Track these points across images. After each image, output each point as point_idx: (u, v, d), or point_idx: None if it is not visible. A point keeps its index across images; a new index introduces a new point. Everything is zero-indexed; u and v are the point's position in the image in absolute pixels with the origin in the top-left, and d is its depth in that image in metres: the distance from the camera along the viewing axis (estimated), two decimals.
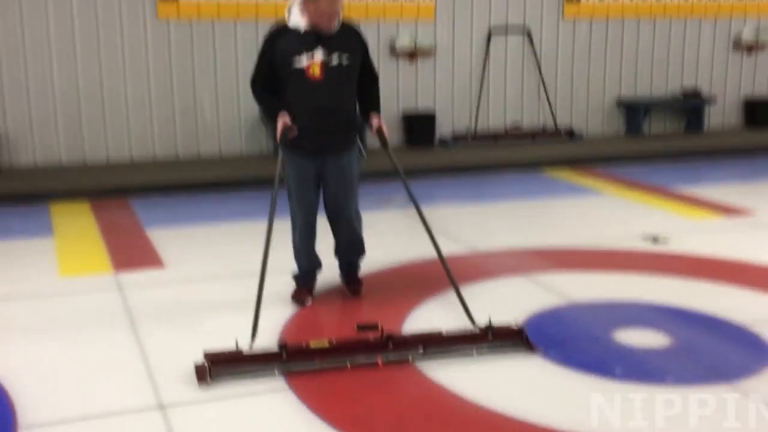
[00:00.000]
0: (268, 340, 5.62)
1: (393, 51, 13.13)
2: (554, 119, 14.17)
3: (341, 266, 6.73)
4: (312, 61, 6.00)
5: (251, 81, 6.27)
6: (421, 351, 5.45)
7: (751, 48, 15.43)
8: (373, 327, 5.54)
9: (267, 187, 6.05)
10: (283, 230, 6.35)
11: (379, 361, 5.34)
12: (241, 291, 6.38)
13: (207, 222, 9.41)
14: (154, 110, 12.15)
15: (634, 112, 14.62)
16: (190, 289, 7.02)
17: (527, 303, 6.48)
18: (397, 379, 5.24)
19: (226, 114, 12.42)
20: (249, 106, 11.44)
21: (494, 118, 13.99)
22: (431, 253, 6.05)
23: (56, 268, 7.63)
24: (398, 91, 13.29)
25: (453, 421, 4.73)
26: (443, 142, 13.50)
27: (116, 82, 11.92)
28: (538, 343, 5.56)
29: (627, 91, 14.81)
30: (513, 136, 13.89)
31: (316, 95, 6.03)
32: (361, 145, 6.20)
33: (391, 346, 5.46)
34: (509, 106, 14.07)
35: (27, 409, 4.84)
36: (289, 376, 5.17)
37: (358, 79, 6.23)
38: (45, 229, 9.00)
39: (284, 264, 6.50)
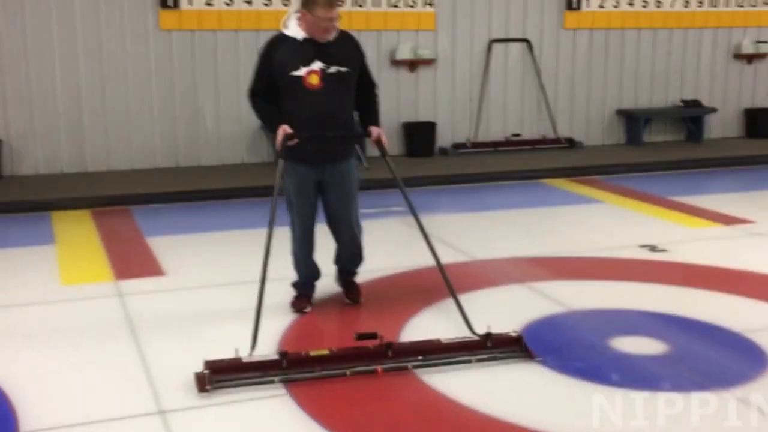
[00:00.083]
0: (267, 348, 5.65)
1: (394, 61, 13.16)
2: (554, 129, 14.19)
3: (340, 273, 6.76)
4: (310, 70, 6.03)
5: (249, 91, 6.29)
6: (420, 359, 5.48)
7: (752, 58, 15.44)
8: (372, 336, 5.56)
9: (267, 195, 6.08)
10: (283, 239, 6.39)
11: (379, 370, 5.37)
12: (241, 299, 6.40)
13: (207, 231, 9.44)
14: (155, 119, 12.18)
15: (634, 121, 14.63)
16: (191, 297, 7.07)
17: (525, 311, 6.51)
18: (396, 386, 5.28)
19: (227, 123, 12.46)
20: (250, 116, 11.31)
21: (494, 128, 14.01)
22: (430, 261, 6.08)
23: (57, 276, 7.66)
24: (399, 100, 13.31)
25: (451, 427, 4.79)
26: (443, 152, 13.52)
27: (118, 91, 11.95)
28: (536, 350, 5.60)
29: (627, 101, 14.82)
30: (513, 145, 13.91)
31: (314, 104, 6.05)
32: (361, 153, 6.26)
33: (390, 354, 5.48)
34: (509, 115, 14.09)
35: (28, 414, 4.89)
36: (289, 383, 5.21)
37: (357, 88, 6.26)
38: (46, 237, 9.03)
39: (284, 272, 6.54)
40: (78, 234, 9.21)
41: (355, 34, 6.48)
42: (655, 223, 9.57)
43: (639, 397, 4.99)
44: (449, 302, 6.09)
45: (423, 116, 13.51)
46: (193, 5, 12.05)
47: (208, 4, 12.13)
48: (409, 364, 5.44)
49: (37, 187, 11.04)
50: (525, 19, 13.99)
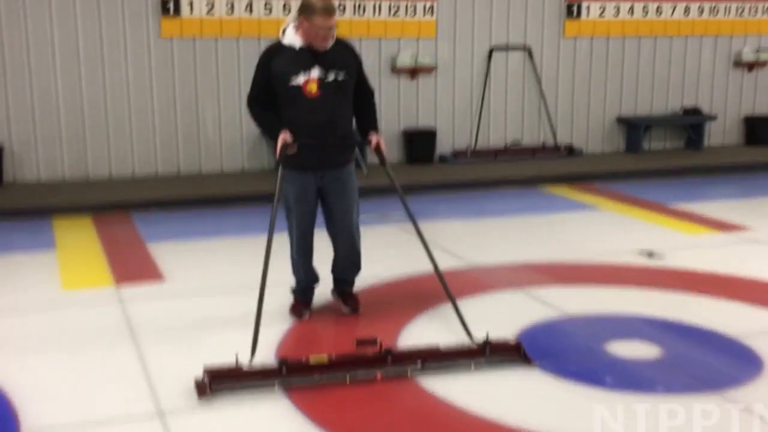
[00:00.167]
0: (266, 353, 5.70)
1: (394, 68, 13.21)
2: (554, 136, 14.23)
3: (337, 283, 6.76)
4: (308, 78, 6.07)
5: (248, 100, 6.32)
6: (419, 365, 5.51)
7: (752, 66, 15.48)
8: (372, 342, 5.59)
9: (267, 202, 6.13)
10: (283, 245, 6.43)
11: (378, 376, 5.41)
12: (241, 304, 6.45)
13: (207, 237, 9.49)
14: (156, 127, 12.22)
15: (634, 129, 14.67)
16: (190, 303, 7.10)
17: (522, 316, 6.56)
18: (395, 391, 5.32)
19: (228, 130, 12.51)
20: (251, 123, 11.37)
21: (494, 135, 14.05)
22: (428, 267, 6.12)
23: (58, 282, 7.71)
24: (399, 108, 13.36)
25: (449, 429, 4.83)
26: (443, 159, 13.57)
27: (119, 99, 12.00)
28: (533, 355, 5.64)
29: (627, 109, 14.86)
30: (513, 152, 13.95)
31: (313, 111, 6.08)
32: (361, 160, 6.28)
33: (389, 360, 5.51)
34: (510, 123, 14.13)
35: (29, 416, 4.95)
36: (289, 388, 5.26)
37: (355, 95, 6.30)
38: (48, 242, 9.07)
39: (283, 278, 6.58)
40: (79, 239, 9.25)
41: (356, 41, 6.53)
42: (652, 230, 9.62)
43: (633, 401, 5.05)
44: (447, 308, 6.13)
45: (423, 124, 13.55)
46: (194, 13, 12.11)
47: (209, 13, 12.18)
48: (409, 370, 5.48)
49: (39, 193, 11.09)
50: (525, 27, 14.04)
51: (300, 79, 6.07)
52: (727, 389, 5.24)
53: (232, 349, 5.45)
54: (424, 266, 6.35)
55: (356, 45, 6.67)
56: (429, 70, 13.42)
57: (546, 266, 8.08)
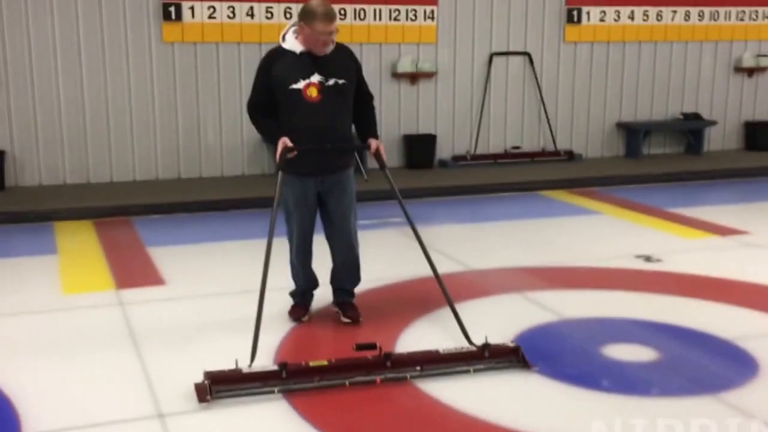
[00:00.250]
0: (265, 356, 5.73)
1: (395, 74, 13.25)
2: (554, 141, 14.27)
3: (336, 294, 6.70)
4: (309, 83, 6.09)
5: (248, 105, 6.35)
6: (418, 370, 5.54)
7: (752, 71, 15.52)
8: (371, 346, 5.61)
9: (267, 207, 6.16)
10: (282, 249, 6.46)
11: (378, 380, 5.43)
12: (241, 308, 6.51)
13: (208, 241, 9.52)
14: (157, 131, 12.26)
15: (634, 134, 14.69)
16: (191, 307, 7.14)
17: (520, 319, 6.60)
18: (394, 393, 5.36)
19: (228, 135, 12.55)
20: (251, 128, 11.38)
21: (494, 140, 14.09)
22: (427, 271, 6.14)
23: (60, 286, 7.74)
24: (399, 113, 13.40)
25: (446, 429, 4.89)
26: (443, 164, 13.60)
27: (121, 103, 12.04)
28: (530, 357, 5.67)
29: (627, 114, 14.89)
30: (512, 157, 13.98)
31: (313, 116, 6.11)
32: (361, 165, 6.31)
33: (389, 365, 5.54)
34: (509, 128, 14.16)
35: (30, 418, 5.00)
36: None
37: (354, 100, 6.32)
38: (49, 247, 9.11)
39: (283, 282, 6.62)
40: (80, 244, 9.29)
41: (356, 47, 6.54)
42: (651, 234, 9.65)
43: (629, 403, 5.11)
44: (445, 312, 6.16)
45: (423, 129, 13.59)
46: (196, 18, 12.15)
47: (211, 17, 12.23)
48: (408, 375, 5.51)
49: (40, 197, 11.12)
50: (526, 33, 14.07)
51: (300, 85, 6.08)
52: (722, 392, 5.28)
53: (232, 352, 5.48)
54: (422, 270, 6.37)
55: (357, 50, 6.71)
56: (429, 75, 13.46)
57: (544, 270, 8.11)
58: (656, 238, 9.45)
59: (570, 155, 14.25)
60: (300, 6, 6.17)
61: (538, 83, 14.13)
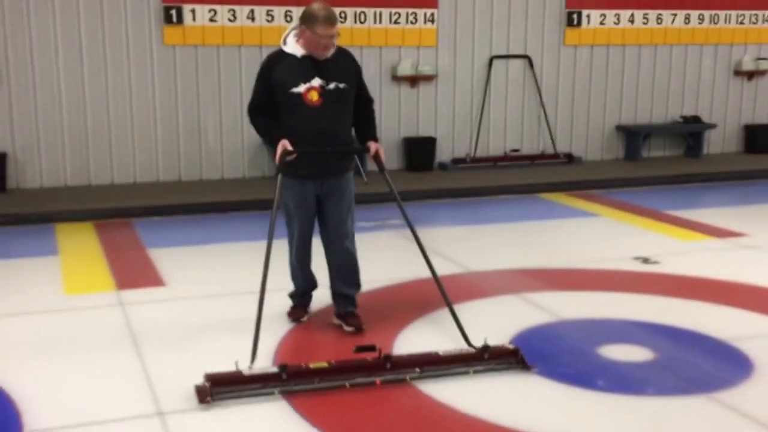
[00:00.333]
0: (265, 357, 5.78)
1: (395, 77, 13.29)
2: (554, 144, 14.30)
3: (338, 301, 6.62)
4: (310, 87, 6.11)
5: (249, 108, 6.37)
6: (417, 371, 5.58)
7: (752, 75, 15.55)
8: (371, 348, 5.64)
9: (267, 209, 6.19)
10: (282, 251, 6.49)
11: (377, 382, 5.47)
12: (240, 310, 6.55)
13: (208, 243, 9.54)
14: (158, 134, 12.30)
15: (633, 137, 14.71)
16: (191, 307, 7.18)
17: (517, 320, 6.65)
18: (394, 394, 5.41)
19: (229, 138, 12.59)
20: (252, 130, 11.40)
21: (494, 143, 14.12)
22: (426, 273, 6.17)
23: (61, 286, 7.78)
24: (399, 116, 13.43)
25: (445, 429, 4.94)
26: (443, 166, 13.63)
27: (122, 106, 12.08)
28: (528, 358, 5.72)
29: (627, 117, 14.92)
30: (512, 160, 14.02)
31: (314, 120, 6.12)
32: (361, 168, 6.34)
33: (388, 366, 5.56)
34: (509, 131, 14.19)
35: (32, 416, 5.05)
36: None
37: (354, 103, 6.34)
38: (50, 248, 9.15)
39: (283, 284, 6.66)
40: (81, 245, 9.32)
41: (357, 50, 6.56)
42: (649, 236, 9.69)
43: (625, 402, 5.15)
44: (444, 313, 6.20)
45: (423, 131, 13.63)
46: (197, 21, 12.19)
47: (212, 20, 12.27)
48: (407, 376, 5.54)
49: (41, 199, 11.15)
50: (526, 36, 14.10)
51: (301, 88, 6.10)
52: (717, 391, 5.33)
53: (232, 353, 5.51)
54: (422, 272, 6.41)
55: (357, 53, 6.73)
56: (429, 78, 13.49)
57: (543, 272, 8.16)
58: (654, 240, 9.49)
59: (569, 158, 14.28)
60: (300, 9, 6.19)
61: (537, 86, 14.16)
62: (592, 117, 14.67)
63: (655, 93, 15.01)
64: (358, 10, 12.95)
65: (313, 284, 6.76)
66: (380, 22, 13.14)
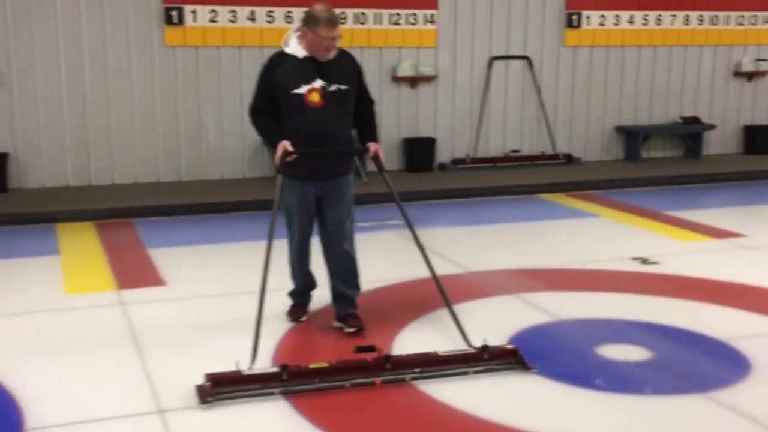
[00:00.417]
0: (264, 356, 5.80)
1: (395, 77, 13.31)
2: (553, 145, 14.32)
3: (339, 304, 6.59)
4: (311, 88, 6.12)
5: (250, 109, 6.38)
6: (417, 372, 5.59)
7: (751, 75, 15.57)
8: (371, 348, 5.66)
9: (267, 209, 6.19)
10: (282, 251, 6.51)
11: (377, 382, 5.49)
12: (240, 309, 6.56)
13: (208, 243, 9.57)
14: (159, 134, 12.33)
15: (633, 138, 14.73)
16: (191, 307, 7.20)
17: (516, 321, 6.67)
18: (394, 393, 5.42)
19: (230, 138, 12.62)
20: (252, 131, 11.40)
21: (494, 144, 14.15)
22: (425, 273, 6.19)
23: (62, 286, 7.81)
24: (399, 116, 13.46)
25: (445, 428, 4.96)
26: (442, 167, 13.65)
27: (123, 106, 12.11)
28: (526, 357, 5.74)
29: (626, 118, 14.94)
30: (512, 161, 14.04)
31: (315, 121, 6.13)
32: (361, 168, 6.34)
33: (388, 367, 5.58)
34: (509, 131, 14.22)
35: (33, 413, 5.09)
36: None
37: (355, 105, 6.34)
38: (51, 248, 9.17)
39: (283, 284, 6.68)
40: (82, 245, 9.35)
41: (356, 51, 6.57)
42: (648, 237, 9.71)
43: (624, 401, 5.19)
44: (443, 313, 6.23)
45: (423, 132, 13.65)
46: (198, 22, 12.22)
47: (213, 21, 12.30)
48: (407, 376, 5.56)
49: (43, 199, 11.17)
50: (526, 37, 14.12)
51: (303, 90, 6.11)
52: (714, 390, 5.37)
53: (232, 353, 5.54)
54: (421, 272, 6.43)
55: (357, 54, 6.75)
56: (429, 79, 13.52)
57: (541, 272, 8.18)
58: (653, 240, 9.51)
59: (569, 159, 14.30)
60: (301, 10, 6.21)
61: (537, 87, 14.18)
62: (592, 118, 14.69)
63: (655, 94, 15.04)
64: (358, 10, 12.98)
65: (312, 284, 6.78)
66: (380, 23, 13.17)
